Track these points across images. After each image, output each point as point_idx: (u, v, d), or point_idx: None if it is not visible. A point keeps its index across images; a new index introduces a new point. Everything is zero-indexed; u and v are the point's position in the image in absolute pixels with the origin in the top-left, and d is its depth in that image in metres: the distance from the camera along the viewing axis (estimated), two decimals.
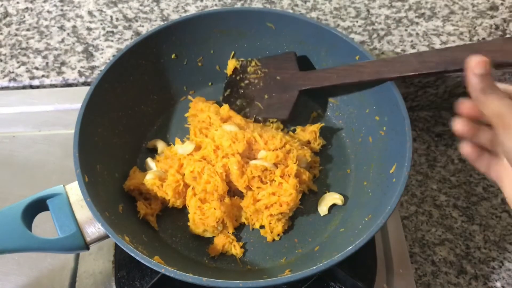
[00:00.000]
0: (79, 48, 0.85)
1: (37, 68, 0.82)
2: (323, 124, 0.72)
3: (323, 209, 0.66)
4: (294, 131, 0.72)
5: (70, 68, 0.82)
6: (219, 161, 0.64)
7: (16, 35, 0.88)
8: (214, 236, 0.64)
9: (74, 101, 0.78)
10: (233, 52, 0.76)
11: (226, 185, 0.64)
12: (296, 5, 0.90)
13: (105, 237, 0.57)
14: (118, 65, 0.67)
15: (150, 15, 0.89)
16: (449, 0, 0.91)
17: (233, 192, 0.66)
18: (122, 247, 0.52)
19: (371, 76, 0.64)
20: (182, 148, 0.67)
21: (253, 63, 0.74)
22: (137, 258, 0.51)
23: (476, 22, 0.87)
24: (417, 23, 0.87)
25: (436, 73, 0.60)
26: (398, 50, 0.83)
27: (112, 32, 0.87)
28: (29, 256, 0.65)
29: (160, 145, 0.71)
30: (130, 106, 0.70)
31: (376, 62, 0.64)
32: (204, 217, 0.62)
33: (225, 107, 0.70)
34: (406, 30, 0.86)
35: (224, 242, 0.63)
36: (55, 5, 0.92)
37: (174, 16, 0.89)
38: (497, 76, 0.81)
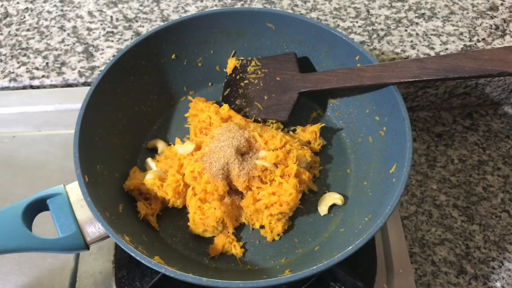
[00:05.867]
0: (79, 48, 0.85)
1: (37, 68, 0.82)
2: (323, 124, 0.72)
3: (323, 209, 0.66)
4: (294, 131, 0.72)
5: (70, 68, 0.82)
6: None
7: (16, 35, 0.88)
8: (214, 236, 0.64)
9: (74, 101, 0.78)
10: (233, 52, 0.76)
11: (226, 185, 0.64)
12: (296, 5, 0.90)
13: (105, 237, 0.57)
14: (118, 65, 0.67)
15: (150, 16, 0.89)
16: (449, 0, 0.91)
17: (233, 192, 0.66)
18: (122, 247, 0.52)
19: (371, 81, 0.64)
20: (182, 148, 0.67)
21: (253, 63, 0.74)
22: (137, 258, 0.51)
23: (476, 22, 0.87)
24: (417, 24, 0.87)
25: (436, 80, 0.61)
26: (398, 50, 0.83)
27: (112, 32, 0.87)
28: (29, 256, 0.65)
29: (160, 145, 0.71)
30: (130, 106, 0.70)
31: (377, 67, 0.64)
32: (204, 217, 0.62)
33: (225, 107, 0.70)
34: (406, 30, 0.86)
35: (224, 242, 0.63)
36: (55, 6, 0.92)
37: (174, 17, 0.89)
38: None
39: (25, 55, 0.85)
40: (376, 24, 0.87)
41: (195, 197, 0.63)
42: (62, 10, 0.91)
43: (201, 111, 0.71)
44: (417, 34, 0.85)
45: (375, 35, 0.85)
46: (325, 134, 0.72)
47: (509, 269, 0.68)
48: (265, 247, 0.64)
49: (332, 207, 0.66)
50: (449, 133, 0.83)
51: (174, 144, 0.69)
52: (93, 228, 0.57)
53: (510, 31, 0.86)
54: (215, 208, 0.62)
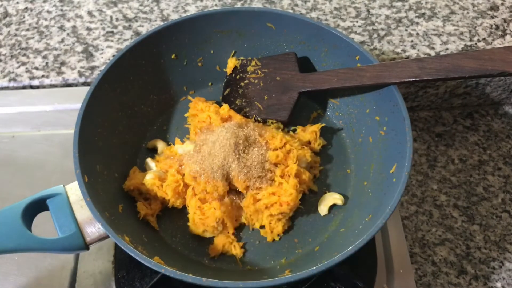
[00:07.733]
0: (79, 48, 0.85)
1: (37, 68, 0.82)
2: (323, 124, 0.71)
3: (323, 209, 0.65)
4: (294, 131, 0.72)
5: (70, 68, 0.82)
6: None
7: (16, 35, 0.88)
8: (214, 236, 0.64)
9: (74, 101, 0.78)
10: (233, 52, 0.76)
11: (227, 185, 0.63)
12: (296, 5, 0.90)
13: (105, 237, 0.57)
14: (118, 65, 0.67)
15: (150, 15, 0.89)
16: (449, 0, 0.91)
17: (233, 192, 0.66)
18: (122, 247, 0.52)
19: (371, 81, 0.64)
20: (182, 148, 0.67)
21: (253, 63, 0.74)
22: (137, 258, 0.51)
23: (477, 22, 0.87)
24: (417, 23, 0.87)
25: (436, 80, 0.61)
26: (398, 50, 0.83)
27: (112, 32, 0.87)
28: (29, 256, 0.65)
29: (160, 145, 0.71)
30: (130, 106, 0.70)
31: (377, 67, 0.64)
32: (204, 217, 0.62)
33: (225, 107, 0.70)
34: (406, 30, 0.86)
35: (224, 242, 0.63)
36: (54, 5, 0.92)
37: (174, 16, 0.89)
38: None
39: (24, 55, 0.84)
40: (376, 24, 0.87)
41: (195, 197, 0.63)
42: (61, 10, 0.91)
43: (201, 111, 0.71)
44: (417, 34, 0.85)
45: (375, 35, 0.85)
46: (325, 134, 0.72)
47: (509, 269, 0.68)
48: (265, 247, 0.63)
49: (332, 207, 0.66)
50: (450, 133, 0.83)
51: (174, 144, 0.69)
52: (93, 228, 0.57)
53: (510, 31, 0.86)
54: (215, 208, 0.62)
